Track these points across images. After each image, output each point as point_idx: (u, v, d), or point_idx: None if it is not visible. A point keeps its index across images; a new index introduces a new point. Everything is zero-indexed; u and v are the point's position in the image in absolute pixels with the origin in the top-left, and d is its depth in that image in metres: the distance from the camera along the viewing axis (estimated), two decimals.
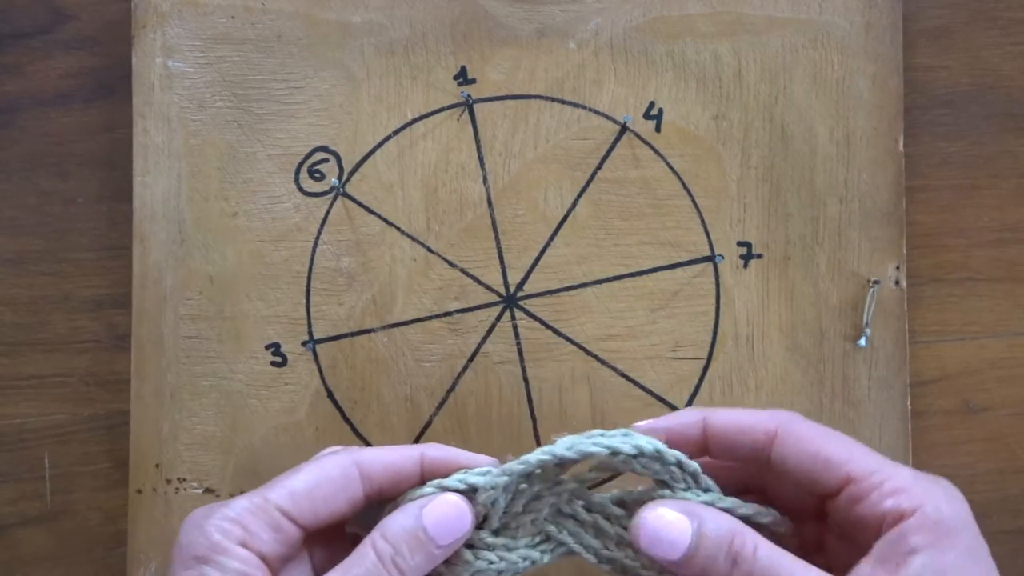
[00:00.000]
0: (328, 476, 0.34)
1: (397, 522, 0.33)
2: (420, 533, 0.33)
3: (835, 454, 0.32)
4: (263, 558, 0.32)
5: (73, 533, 0.48)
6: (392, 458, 0.35)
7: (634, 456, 0.33)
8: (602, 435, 0.34)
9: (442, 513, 0.33)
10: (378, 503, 0.36)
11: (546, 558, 0.35)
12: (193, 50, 0.47)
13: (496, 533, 0.35)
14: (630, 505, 0.35)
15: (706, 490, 0.34)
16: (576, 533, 0.35)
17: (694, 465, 0.34)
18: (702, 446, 0.35)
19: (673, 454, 0.34)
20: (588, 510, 0.35)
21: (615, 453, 0.33)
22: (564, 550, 0.35)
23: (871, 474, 0.32)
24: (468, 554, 0.34)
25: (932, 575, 0.30)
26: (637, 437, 0.34)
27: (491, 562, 0.34)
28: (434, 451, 0.35)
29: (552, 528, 0.35)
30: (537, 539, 0.35)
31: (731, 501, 0.34)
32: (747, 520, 0.34)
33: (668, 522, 0.32)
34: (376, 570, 0.32)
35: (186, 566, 0.31)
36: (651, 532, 0.32)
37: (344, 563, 0.32)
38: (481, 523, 0.35)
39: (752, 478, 0.37)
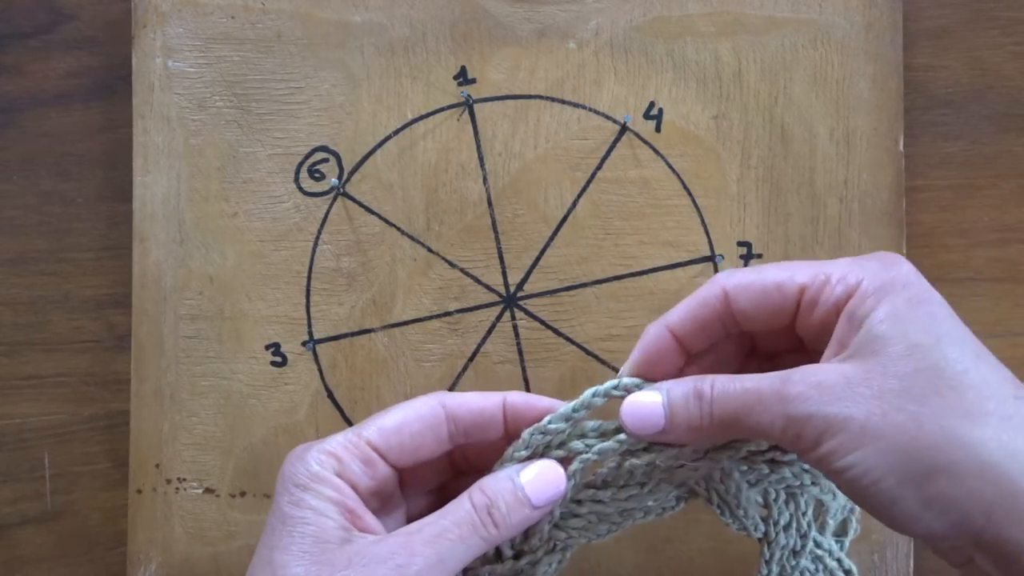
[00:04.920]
0: (416, 414, 0.36)
1: (496, 478, 0.35)
2: (518, 492, 0.35)
3: (780, 276, 0.34)
4: (355, 488, 0.35)
5: (73, 533, 0.48)
6: (476, 401, 0.37)
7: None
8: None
9: (540, 476, 0.35)
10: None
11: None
12: (193, 50, 0.47)
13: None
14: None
15: None
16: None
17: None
18: (683, 357, 0.37)
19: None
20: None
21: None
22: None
23: (815, 276, 0.34)
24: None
25: (878, 324, 0.31)
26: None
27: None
28: (515, 397, 0.37)
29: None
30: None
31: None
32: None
33: (641, 402, 0.35)
34: (470, 518, 0.34)
35: (289, 493, 0.34)
36: (631, 416, 0.35)
37: (441, 510, 0.34)
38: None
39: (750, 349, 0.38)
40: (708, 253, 0.46)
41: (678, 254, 0.46)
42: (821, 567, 0.39)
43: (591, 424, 0.37)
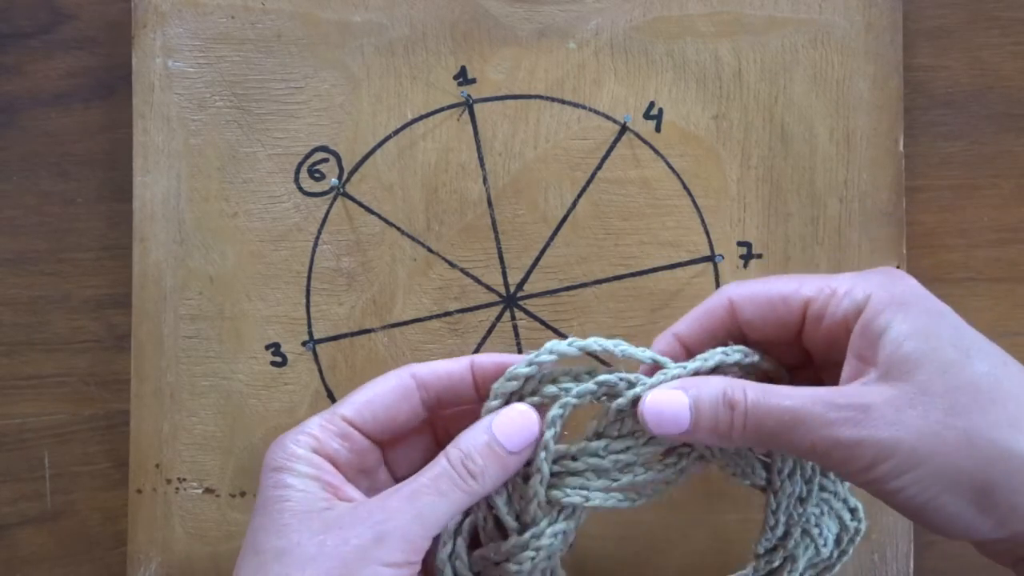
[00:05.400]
0: (388, 387, 0.37)
1: (469, 431, 0.36)
2: (492, 442, 0.35)
3: (785, 288, 0.35)
4: (335, 463, 0.35)
5: (73, 533, 0.48)
6: (445, 367, 0.37)
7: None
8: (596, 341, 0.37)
9: (509, 420, 0.36)
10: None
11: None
12: (193, 50, 0.47)
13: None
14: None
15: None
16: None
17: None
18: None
19: (648, 354, 0.37)
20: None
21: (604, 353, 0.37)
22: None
23: (821, 289, 0.34)
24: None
25: (905, 341, 0.32)
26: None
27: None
28: (482, 358, 0.38)
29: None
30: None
31: (715, 355, 0.36)
32: (737, 366, 0.36)
33: (666, 401, 0.34)
34: (447, 472, 0.34)
35: (267, 477, 0.35)
36: (655, 416, 0.34)
37: (421, 471, 0.35)
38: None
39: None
40: (708, 253, 0.46)
41: (678, 254, 0.46)
42: (827, 509, 0.38)
43: (561, 370, 0.37)
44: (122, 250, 0.48)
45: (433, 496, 0.34)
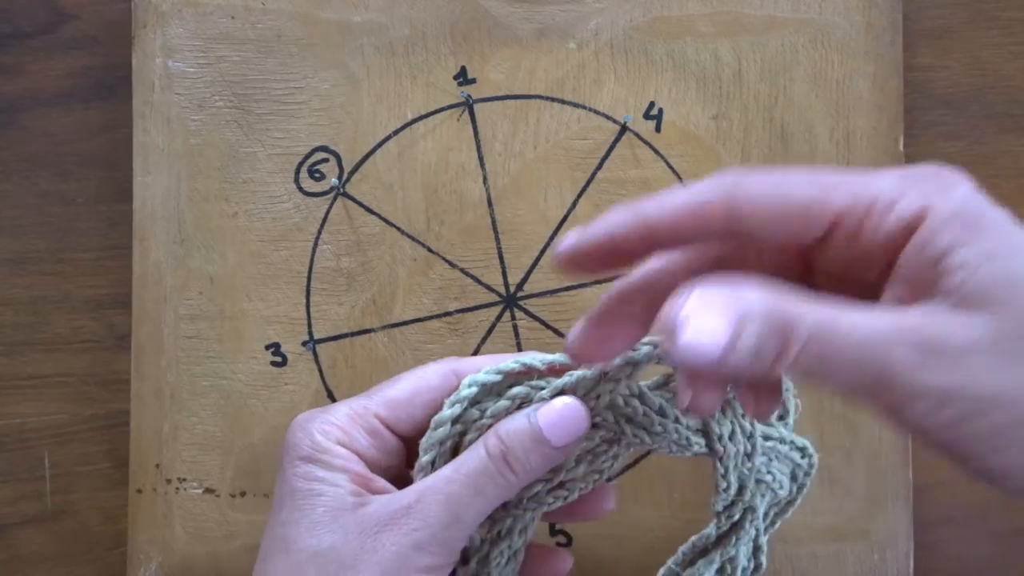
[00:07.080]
0: (427, 384, 0.35)
1: (511, 421, 0.34)
2: (536, 433, 0.33)
3: (807, 194, 0.27)
4: (362, 460, 0.34)
5: (73, 533, 0.48)
6: (488, 366, 0.36)
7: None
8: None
9: (557, 414, 0.34)
10: None
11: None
12: (193, 50, 0.47)
13: None
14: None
15: None
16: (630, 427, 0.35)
17: None
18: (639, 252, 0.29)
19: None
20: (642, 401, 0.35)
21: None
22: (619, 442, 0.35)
23: (855, 198, 0.26)
24: None
25: (981, 267, 0.24)
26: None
27: None
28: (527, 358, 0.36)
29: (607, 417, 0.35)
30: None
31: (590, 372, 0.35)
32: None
33: (704, 322, 0.24)
34: (485, 468, 0.33)
35: (294, 465, 0.34)
36: (688, 344, 0.24)
37: (456, 461, 0.33)
38: None
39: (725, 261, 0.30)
40: None
41: None
42: (775, 455, 0.37)
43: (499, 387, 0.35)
44: (122, 250, 0.48)
45: (471, 497, 0.32)
